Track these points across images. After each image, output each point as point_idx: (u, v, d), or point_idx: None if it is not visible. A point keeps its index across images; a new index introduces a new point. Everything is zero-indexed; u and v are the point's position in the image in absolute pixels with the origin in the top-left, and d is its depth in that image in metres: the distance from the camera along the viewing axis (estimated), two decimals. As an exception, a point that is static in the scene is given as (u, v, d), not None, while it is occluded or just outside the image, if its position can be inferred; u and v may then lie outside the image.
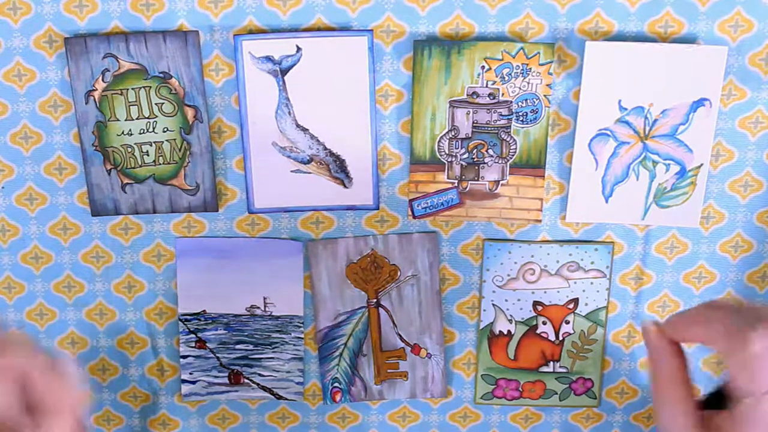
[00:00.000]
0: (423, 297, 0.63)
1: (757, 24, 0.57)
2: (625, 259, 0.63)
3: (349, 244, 0.62)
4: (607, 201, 0.60)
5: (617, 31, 0.58)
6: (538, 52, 0.58)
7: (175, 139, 0.60)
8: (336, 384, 0.65)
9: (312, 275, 0.63)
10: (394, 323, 0.64)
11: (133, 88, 0.59)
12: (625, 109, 0.58)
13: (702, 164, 0.59)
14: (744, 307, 0.41)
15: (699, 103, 0.58)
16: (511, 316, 0.64)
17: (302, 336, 0.64)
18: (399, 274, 0.63)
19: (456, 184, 0.61)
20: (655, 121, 0.58)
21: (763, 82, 0.58)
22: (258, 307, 0.63)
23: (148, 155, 0.60)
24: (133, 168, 0.60)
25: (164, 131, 0.60)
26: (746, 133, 0.59)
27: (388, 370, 0.65)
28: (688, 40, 0.57)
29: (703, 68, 0.57)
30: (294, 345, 0.64)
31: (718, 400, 0.40)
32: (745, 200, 0.61)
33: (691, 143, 0.59)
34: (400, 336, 0.64)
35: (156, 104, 0.59)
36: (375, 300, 0.63)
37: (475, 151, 0.60)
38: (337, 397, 0.65)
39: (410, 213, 0.61)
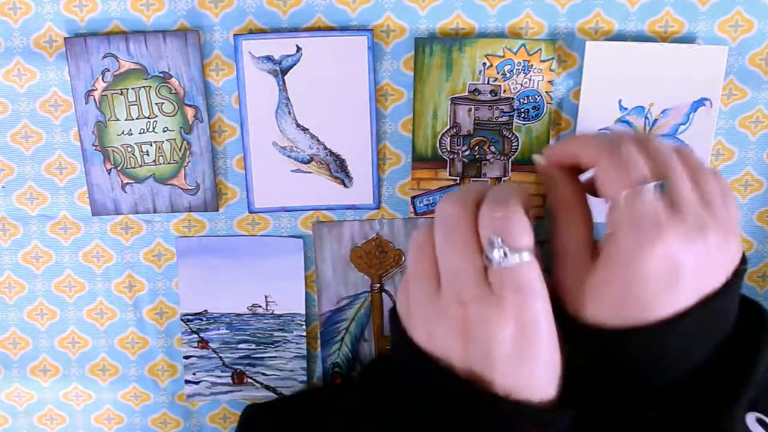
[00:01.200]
0: None
1: (757, 24, 0.57)
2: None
3: (354, 228, 0.62)
4: (607, 201, 0.60)
5: (617, 30, 0.58)
6: (540, 49, 0.58)
7: (175, 139, 0.60)
8: (336, 369, 0.65)
9: (316, 258, 0.63)
10: None
11: (133, 88, 0.59)
12: (626, 109, 0.58)
13: (702, 164, 0.59)
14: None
15: (699, 102, 0.58)
16: (511, 315, 0.64)
17: (304, 334, 0.64)
18: (404, 259, 0.63)
19: (458, 181, 0.61)
20: (656, 121, 0.58)
21: (764, 82, 0.58)
22: (260, 306, 0.63)
23: (148, 155, 0.60)
24: (134, 168, 0.60)
25: (164, 131, 0.60)
26: (746, 133, 0.59)
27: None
28: (688, 40, 0.57)
29: (703, 68, 0.57)
30: (296, 343, 0.64)
31: None
32: (745, 200, 0.61)
33: (691, 143, 0.59)
34: None
35: (156, 104, 0.59)
36: (379, 285, 0.63)
37: (477, 147, 0.60)
38: (338, 382, 0.65)
39: (412, 210, 0.61)
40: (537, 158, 0.48)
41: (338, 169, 0.61)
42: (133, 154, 0.60)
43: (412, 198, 0.61)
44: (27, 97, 0.60)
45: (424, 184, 0.61)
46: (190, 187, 0.61)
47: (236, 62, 0.58)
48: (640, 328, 0.40)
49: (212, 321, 0.64)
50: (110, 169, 0.60)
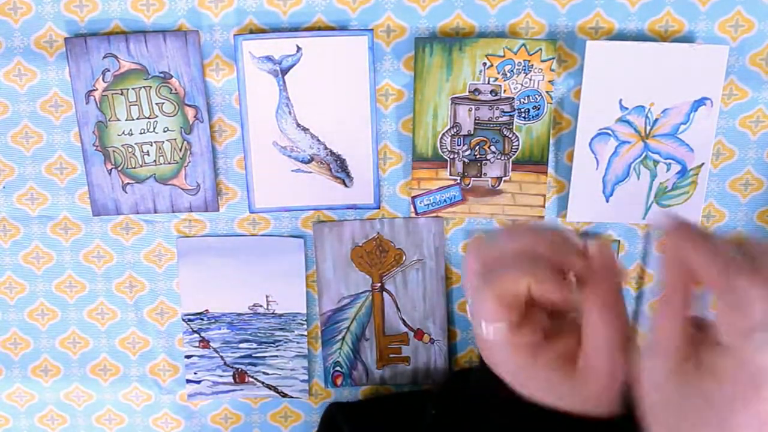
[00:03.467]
0: (428, 282, 0.63)
1: (757, 24, 0.57)
2: (626, 259, 0.63)
3: (354, 227, 0.62)
4: (607, 200, 0.60)
5: (618, 30, 0.58)
6: (540, 49, 0.58)
7: (175, 139, 0.60)
8: (337, 368, 0.65)
9: (317, 258, 0.63)
10: (398, 308, 0.64)
11: (133, 88, 0.59)
12: (626, 108, 0.58)
13: (703, 163, 0.59)
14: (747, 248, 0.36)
15: (700, 102, 0.58)
16: (511, 314, 0.64)
17: (305, 333, 0.64)
18: (404, 258, 0.63)
19: (458, 181, 0.61)
20: (656, 120, 0.58)
21: (764, 82, 0.58)
22: (261, 306, 0.63)
23: (148, 155, 0.60)
24: (134, 168, 0.60)
25: (165, 131, 0.60)
26: (747, 133, 0.59)
27: (390, 355, 0.65)
28: (689, 39, 0.57)
29: (703, 68, 0.57)
30: (297, 342, 0.64)
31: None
32: (746, 199, 0.61)
33: (692, 142, 0.59)
34: (403, 321, 0.64)
35: (156, 104, 0.59)
36: (379, 284, 0.63)
37: (477, 147, 0.60)
38: (339, 381, 0.65)
39: (413, 210, 0.61)
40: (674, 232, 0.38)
41: (339, 168, 0.61)
42: (133, 154, 0.60)
43: (413, 197, 0.61)
44: (27, 98, 0.60)
45: (424, 183, 0.61)
46: (190, 187, 0.61)
47: (236, 62, 0.58)
48: None
49: (213, 321, 0.64)
50: (111, 170, 0.60)
